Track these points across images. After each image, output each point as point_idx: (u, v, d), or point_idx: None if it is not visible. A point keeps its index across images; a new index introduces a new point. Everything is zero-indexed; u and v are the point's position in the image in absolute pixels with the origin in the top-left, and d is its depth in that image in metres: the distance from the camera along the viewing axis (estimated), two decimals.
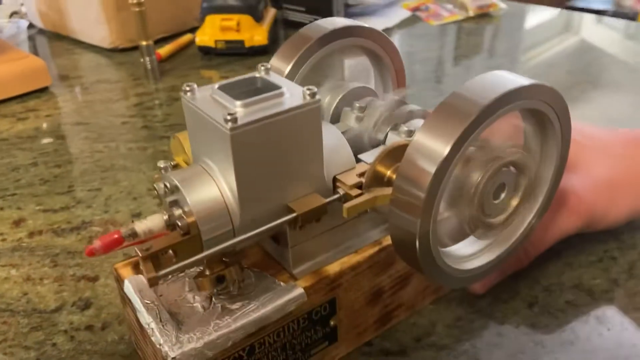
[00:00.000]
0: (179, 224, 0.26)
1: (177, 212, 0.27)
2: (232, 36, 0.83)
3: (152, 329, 0.27)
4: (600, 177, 0.39)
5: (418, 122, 0.34)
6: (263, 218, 0.28)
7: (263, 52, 0.84)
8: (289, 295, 0.29)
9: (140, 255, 0.25)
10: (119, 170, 0.55)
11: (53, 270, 0.42)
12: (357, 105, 0.35)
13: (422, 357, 0.34)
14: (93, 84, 0.78)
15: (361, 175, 0.30)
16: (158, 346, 0.27)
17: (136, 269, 0.31)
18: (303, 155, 0.28)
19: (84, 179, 0.54)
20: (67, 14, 0.89)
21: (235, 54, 0.84)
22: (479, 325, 0.36)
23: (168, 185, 0.27)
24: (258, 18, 0.83)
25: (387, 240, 0.33)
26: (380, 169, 0.30)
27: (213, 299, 0.30)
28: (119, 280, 0.31)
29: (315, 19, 0.36)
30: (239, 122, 0.25)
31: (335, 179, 0.30)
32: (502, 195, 0.30)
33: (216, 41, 0.83)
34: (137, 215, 0.48)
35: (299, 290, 0.29)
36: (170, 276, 0.29)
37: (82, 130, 0.65)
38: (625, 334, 0.35)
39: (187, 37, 0.90)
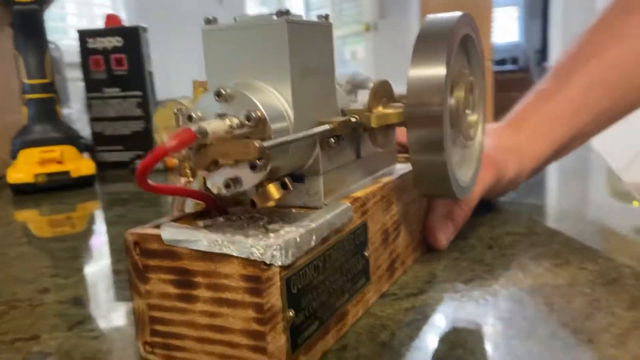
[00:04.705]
0: (251, 116, 0.25)
1: (239, 116, 0.26)
2: (56, 168, 0.77)
3: (229, 241, 0.24)
4: (492, 145, 0.48)
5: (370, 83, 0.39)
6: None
7: (89, 184, 0.79)
8: (340, 207, 0.29)
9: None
10: None
11: None
12: None
13: (443, 288, 0.35)
14: None
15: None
16: (249, 248, 0.23)
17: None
18: (325, 72, 0.31)
19: None
20: None
21: (57, 187, 0.77)
22: (470, 260, 0.39)
23: (222, 93, 0.26)
24: (81, 149, 0.80)
25: (385, 180, 0.35)
26: (374, 103, 0.34)
27: (266, 226, 0.27)
28: (137, 245, 0.26)
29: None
30: (289, 17, 0.27)
31: (343, 110, 0.33)
32: (468, 112, 0.36)
33: (36, 175, 0.76)
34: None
35: (346, 204, 0.29)
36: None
37: None
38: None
39: None
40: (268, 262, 0.23)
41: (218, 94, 0.26)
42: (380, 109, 0.34)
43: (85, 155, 0.83)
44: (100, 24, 0.91)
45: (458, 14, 0.34)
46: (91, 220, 0.66)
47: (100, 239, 0.56)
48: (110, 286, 0.41)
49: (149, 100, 0.86)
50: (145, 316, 0.27)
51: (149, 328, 0.27)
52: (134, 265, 0.27)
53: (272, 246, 0.23)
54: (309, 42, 0.29)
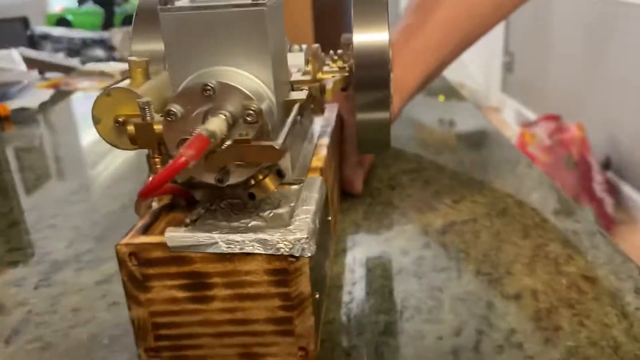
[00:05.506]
0: (250, 112, 0.24)
1: (231, 110, 0.25)
2: None
3: (251, 240, 0.24)
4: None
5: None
6: (282, 111, 0.28)
7: None
8: (317, 183, 0.30)
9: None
10: None
11: None
12: None
13: (371, 239, 0.39)
14: None
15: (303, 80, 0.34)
16: (275, 245, 0.24)
17: (150, 232, 0.26)
18: (283, 47, 0.30)
19: None
20: None
21: None
22: (382, 204, 0.43)
23: (211, 86, 0.24)
24: None
25: (323, 142, 0.37)
26: (315, 70, 0.34)
27: (260, 214, 0.28)
28: (133, 255, 0.25)
29: None
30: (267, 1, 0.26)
31: (292, 82, 0.33)
32: None
33: None
34: None
35: (319, 178, 0.31)
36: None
37: None
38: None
39: None
40: (297, 255, 0.24)
41: (205, 89, 0.25)
42: (320, 75, 0.35)
43: None
44: None
45: None
46: None
47: None
48: (23, 284, 0.36)
49: None
50: (148, 324, 0.26)
51: (153, 334, 0.26)
52: (130, 276, 0.25)
53: (300, 240, 0.24)
54: (276, 21, 0.28)
